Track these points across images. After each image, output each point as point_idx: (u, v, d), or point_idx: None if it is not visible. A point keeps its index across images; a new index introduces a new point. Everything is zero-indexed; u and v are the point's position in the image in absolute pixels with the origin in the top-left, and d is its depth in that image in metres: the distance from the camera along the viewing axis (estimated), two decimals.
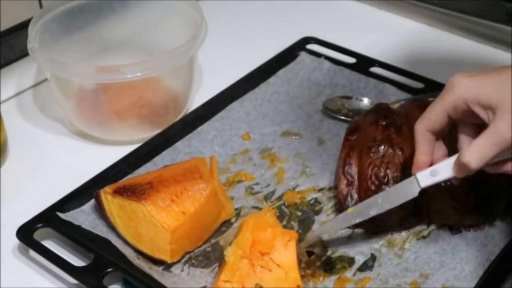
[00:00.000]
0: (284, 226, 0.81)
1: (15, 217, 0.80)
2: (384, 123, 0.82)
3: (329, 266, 0.76)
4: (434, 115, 0.69)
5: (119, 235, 0.78)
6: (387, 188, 0.77)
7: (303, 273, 0.75)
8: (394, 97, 0.97)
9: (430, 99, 0.86)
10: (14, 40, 1.03)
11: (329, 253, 0.78)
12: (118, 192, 0.78)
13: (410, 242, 0.79)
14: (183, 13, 0.98)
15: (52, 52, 0.91)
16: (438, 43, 1.13)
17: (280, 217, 0.82)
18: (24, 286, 0.77)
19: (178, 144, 0.90)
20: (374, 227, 0.79)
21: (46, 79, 1.03)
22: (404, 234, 0.79)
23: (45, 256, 0.76)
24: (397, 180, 0.78)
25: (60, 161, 0.93)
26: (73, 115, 0.95)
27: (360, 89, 0.99)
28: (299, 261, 0.76)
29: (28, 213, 0.80)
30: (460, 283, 0.73)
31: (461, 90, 0.67)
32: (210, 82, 1.06)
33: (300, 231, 0.80)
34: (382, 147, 0.80)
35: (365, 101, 0.97)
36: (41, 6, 1.03)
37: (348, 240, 0.79)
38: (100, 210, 0.80)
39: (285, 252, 0.74)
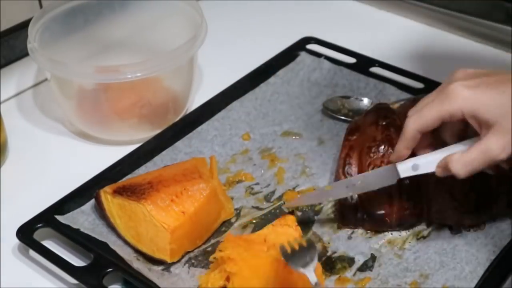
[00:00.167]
0: None
1: (15, 217, 0.81)
2: (384, 123, 0.82)
3: (329, 266, 0.76)
4: (430, 119, 0.70)
5: (119, 235, 0.78)
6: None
7: None
8: (394, 97, 0.97)
9: None
10: (14, 40, 1.03)
11: (329, 253, 0.78)
12: (118, 192, 0.78)
13: (410, 242, 0.79)
14: (183, 13, 0.98)
15: (52, 52, 0.90)
16: (438, 43, 1.13)
17: None
18: (24, 286, 0.77)
19: (178, 144, 0.90)
20: (374, 227, 0.79)
21: (46, 79, 1.03)
22: (404, 234, 0.79)
23: (45, 256, 0.76)
24: None
25: (60, 161, 0.93)
26: (73, 115, 0.95)
27: (360, 89, 0.99)
28: None
29: (28, 213, 0.80)
30: (460, 283, 0.73)
31: (461, 102, 0.68)
32: (210, 82, 1.06)
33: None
34: (382, 147, 0.80)
35: (365, 101, 0.97)
36: (41, 6, 1.03)
37: (348, 240, 0.79)
38: (100, 210, 0.80)
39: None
